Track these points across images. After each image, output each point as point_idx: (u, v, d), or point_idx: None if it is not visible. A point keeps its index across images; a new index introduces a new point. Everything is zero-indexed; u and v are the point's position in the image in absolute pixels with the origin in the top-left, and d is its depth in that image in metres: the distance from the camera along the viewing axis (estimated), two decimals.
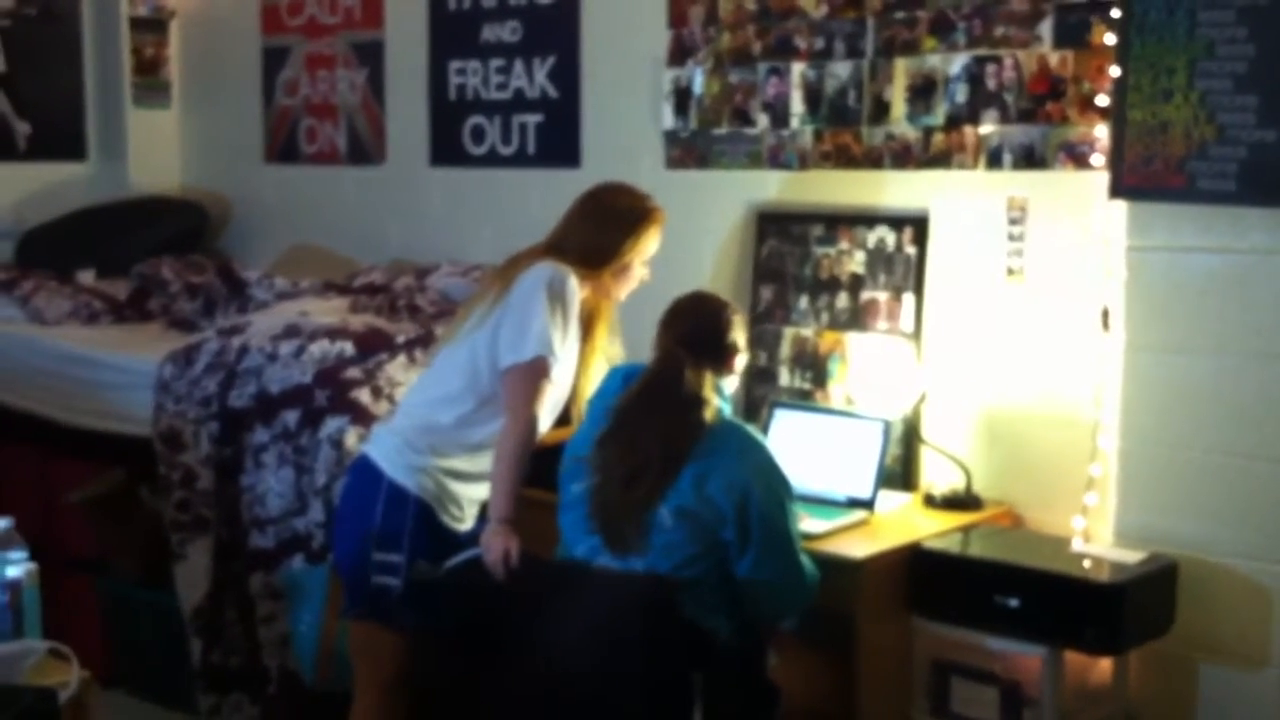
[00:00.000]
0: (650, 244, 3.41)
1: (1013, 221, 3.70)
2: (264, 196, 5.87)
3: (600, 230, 3.36)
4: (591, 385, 3.42)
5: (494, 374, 3.27)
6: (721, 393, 3.13)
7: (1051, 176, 3.63)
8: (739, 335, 3.20)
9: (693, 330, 3.15)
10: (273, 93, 5.78)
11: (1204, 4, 3.27)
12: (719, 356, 3.15)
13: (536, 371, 3.21)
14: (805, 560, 3.09)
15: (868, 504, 3.60)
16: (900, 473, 3.82)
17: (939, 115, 3.83)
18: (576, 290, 3.28)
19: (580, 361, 3.38)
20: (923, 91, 3.86)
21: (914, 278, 3.86)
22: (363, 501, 3.33)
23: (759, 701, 3.11)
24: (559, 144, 4.77)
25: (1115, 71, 3.43)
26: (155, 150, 6.09)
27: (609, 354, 3.46)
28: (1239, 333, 3.31)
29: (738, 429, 3.10)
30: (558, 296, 3.24)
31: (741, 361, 3.22)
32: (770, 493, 3.02)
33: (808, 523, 3.43)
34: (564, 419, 3.50)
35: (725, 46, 4.25)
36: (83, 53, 6.04)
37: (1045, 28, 3.63)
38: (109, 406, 4.63)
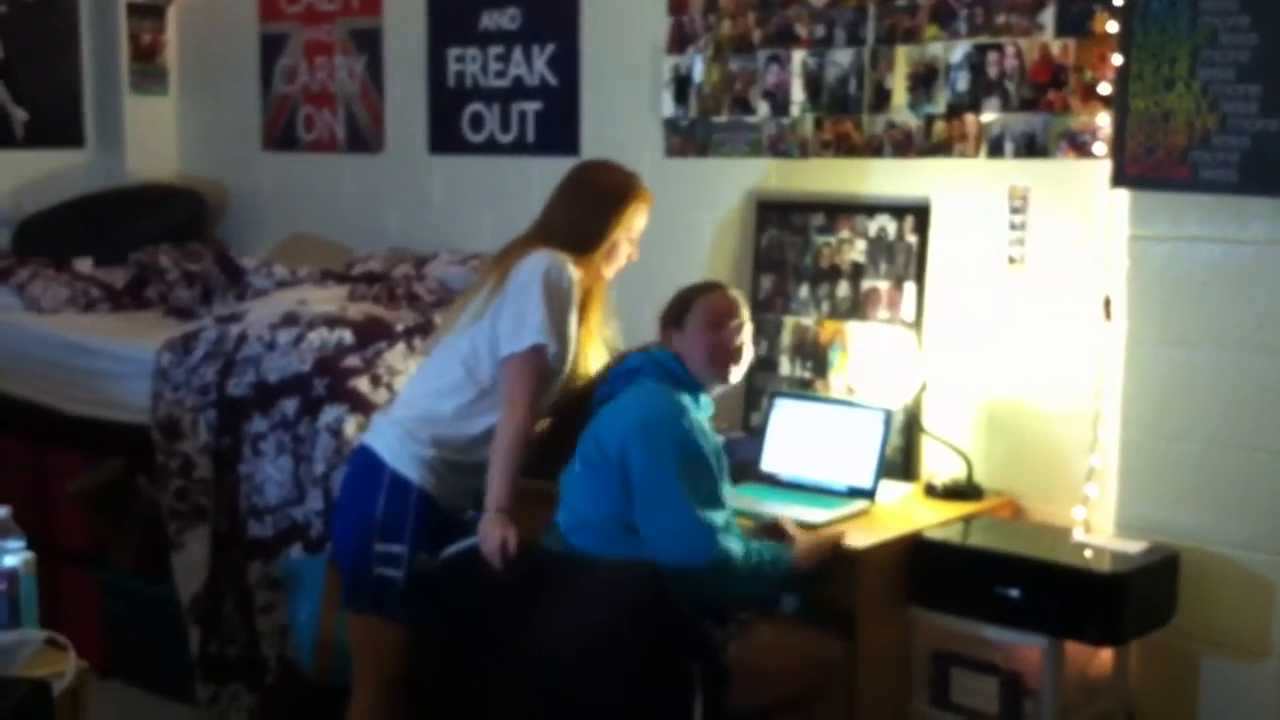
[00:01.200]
0: (637, 221, 3.39)
1: (1014, 210, 3.69)
2: (262, 184, 5.86)
3: (586, 210, 3.36)
4: (588, 369, 3.42)
5: (493, 364, 3.27)
6: (660, 360, 3.22)
7: (1053, 165, 3.62)
8: (688, 307, 3.27)
9: None
10: (271, 80, 5.76)
11: None
12: (665, 325, 3.30)
13: (534, 361, 3.21)
14: (736, 546, 3.05)
15: (868, 494, 3.59)
16: (901, 462, 3.81)
17: (940, 104, 3.82)
18: (574, 278, 3.27)
19: (578, 346, 3.36)
20: (924, 80, 3.84)
21: (915, 267, 3.85)
22: (364, 492, 3.31)
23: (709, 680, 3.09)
24: (558, 132, 4.75)
25: (1117, 60, 3.42)
26: (153, 138, 6.07)
27: (605, 335, 3.46)
28: (1240, 324, 3.30)
29: (643, 387, 3.19)
30: (555, 285, 3.23)
31: (693, 327, 3.25)
32: (654, 442, 3.07)
33: (809, 513, 3.43)
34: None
35: (725, 34, 4.23)
36: (80, 39, 6.02)
37: (1047, 16, 3.61)
38: (106, 395, 4.62)
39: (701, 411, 3.22)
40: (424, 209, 5.22)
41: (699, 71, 4.30)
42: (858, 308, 3.96)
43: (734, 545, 3.04)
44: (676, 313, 3.30)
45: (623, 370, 3.28)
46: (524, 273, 3.25)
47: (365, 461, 3.35)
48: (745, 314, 3.32)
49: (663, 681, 2.96)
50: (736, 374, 3.29)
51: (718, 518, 3.06)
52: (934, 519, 3.52)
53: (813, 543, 3.23)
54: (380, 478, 3.29)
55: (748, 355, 3.32)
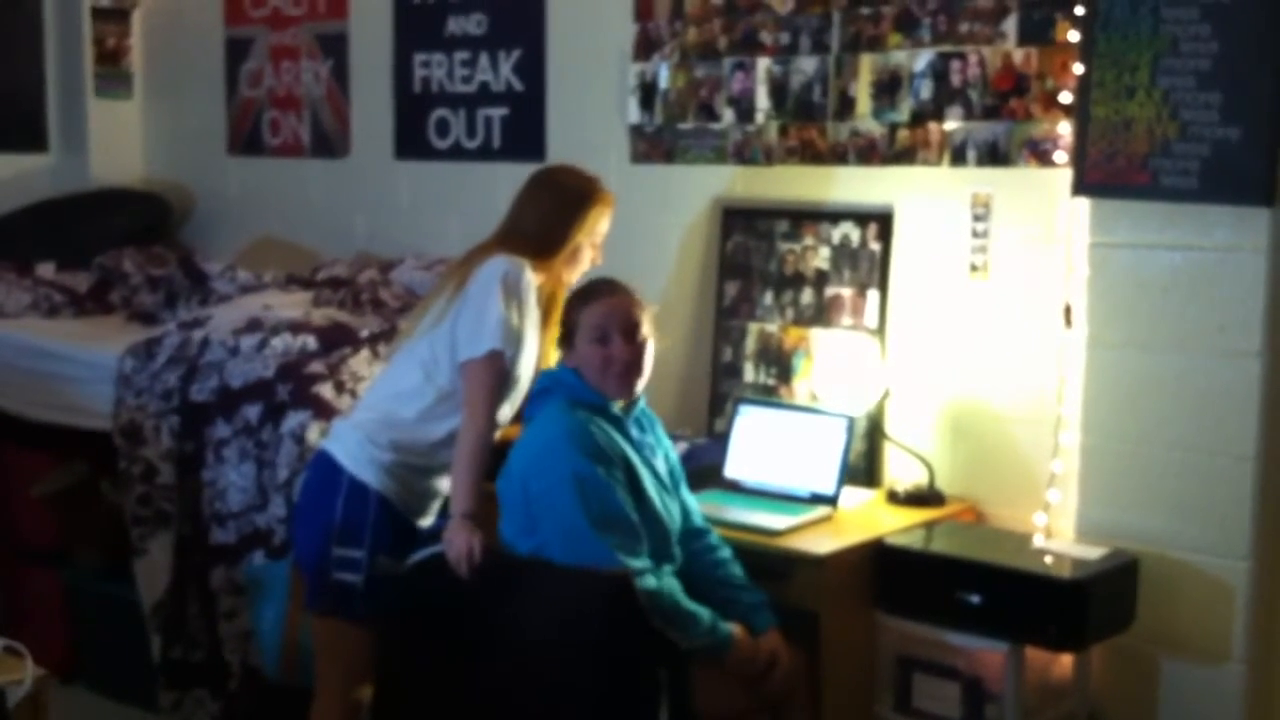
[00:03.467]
0: (599, 225, 3.40)
1: (976, 218, 3.71)
2: (227, 188, 5.83)
3: (548, 214, 3.37)
4: None
5: (453, 369, 3.27)
6: (562, 380, 3.16)
7: (1015, 173, 3.64)
8: (574, 323, 3.19)
9: None
10: (236, 84, 5.74)
11: (1168, 1, 3.28)
12: (560, 344, 3.26)
13: (492, 366, 3.21)
14: (651, 580, 2.98)
15: (831, 500, 3.60)
16: (864, 469, 3.82)
17: (904, 111, 3.83)
18: (532, 282, 3.28)
19: (540, 351, 3.37)
20: (888, 87, 3.86)
21: (878, 274, 3.86)
22: (323, 497, 3.30)
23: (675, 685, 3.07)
24: (524, 138, 4.75)
25: (1079, 68, 3.44)
26: (117, 141, 6.03)
27: None
28: (1201, 329, 3.32)
29: (544, 414, 3.13)
30: (513, 290, 3.23)
31: (583, 344, 3.16)
32: (548, 474, 3.02)
33: (772, 519, 3.43)
34: None
35: (691, 41, 4.24)
36: (44, 43, 5.98)
37: (1010, 24, 3.63)
38: (69, 400, 4.59)
39: (617, 423, 3.14)
40: (390, 214, 5.21)
41: (665, 78, 4.31)
42: (822, 314, 3.97)
43: (649, 580, 2.98)
44: (566, 330, 3.20)
45: (536, 391, 3.23)
46: (482, 277, 3.25)
47: (324, 466, 3.34)
48: (638, 314, 3.16)
49: (629, 687, 2.96)
50: (637, 385, 3.17)
51: (625, 542, 2.99)
52: (896, 525, 3.53)
53: (757, 650, 3.12)
54: (338, 482, 3.29)
55: (648, 359, 3.17)
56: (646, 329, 3.18)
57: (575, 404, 3.12)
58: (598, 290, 3.20)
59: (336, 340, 4.15)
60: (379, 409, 3.36)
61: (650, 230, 4.29)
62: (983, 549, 3.41)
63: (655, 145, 4.35)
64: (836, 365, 3.90)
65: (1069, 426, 3.53)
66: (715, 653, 3.05)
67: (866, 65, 3.89)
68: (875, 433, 3.82)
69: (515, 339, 3.23)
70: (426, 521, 3.37)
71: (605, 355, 3.13)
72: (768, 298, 4.07)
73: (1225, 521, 3.32)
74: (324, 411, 3.87)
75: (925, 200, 3.80)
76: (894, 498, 3.72)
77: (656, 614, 2.96)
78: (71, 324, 5.05)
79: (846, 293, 3.92)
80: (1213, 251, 3.31)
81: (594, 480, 3.01)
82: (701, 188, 4.25)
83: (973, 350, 3.72)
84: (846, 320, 3.91)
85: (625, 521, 3.02)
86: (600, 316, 3.14)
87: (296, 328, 4.19)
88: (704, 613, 3.05)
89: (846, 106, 3.93)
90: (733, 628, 3.09)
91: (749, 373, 4.10)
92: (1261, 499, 3.29)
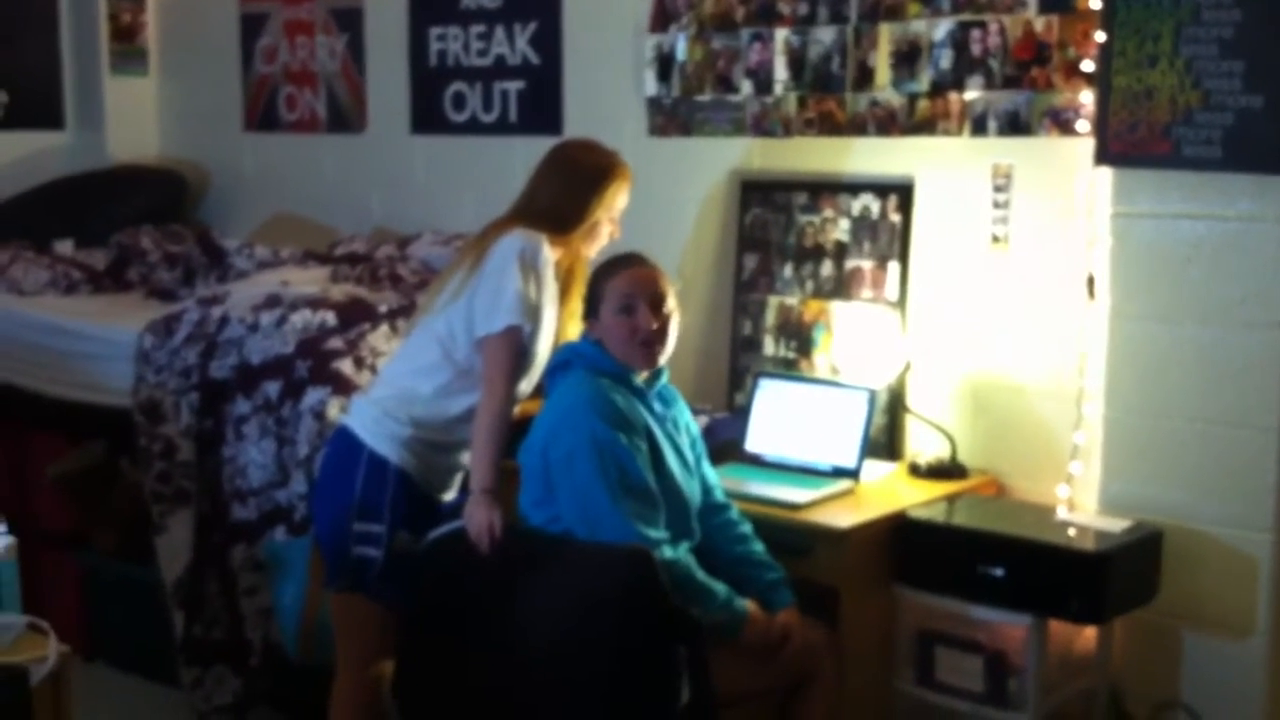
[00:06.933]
0: (618, 200, 3.39)
1: (997, 189, 3.68)
2: (243, 165, 5.83)
3: (567, 189, 3.35)
4: None
5: (470, 345, 3.26)
6: (581, 351, 3.17)
7: (1036, 143, 3.61)
8: (600, 294, 3.19)
9: None
10: (251, 60, 5.73)
11: None
12: (585, 315, 3.25)
13: (510, 341, 3.21)
14: (668, 550, 2.99)
15: (853, 473, 3.59)
16: (885, 442, 3.81)
17: (923, 82, 3.80)
18: (549, 258, 3.27)
19: (558, 326, 3.36)
20: (907, 57, 3.83)
21: (898, 246, 3.84)
22: (342, 472, 3.31)
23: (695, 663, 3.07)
24: (541, 111, 4.73)
25: (1101, 37, 3.41)
26: (133, 119, 6.03)
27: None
28: (1224, 300, 3.30)
29: (565, 382, 3.13)
30: (530, 265, 3.23)
31: (608, 314, 3.16)
32: (567, 439, 3.03)
33: (793, 493, 3.43)
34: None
35: (708, 12, 4.21)
36: (59, 20, 5.97)
37: None
38: (88, 378, 4.60)
39: (639, 395, 3.15)
40: (407, 189, 5.20)
41: (682, 50, 4.28)
42: (842, 287, 3.95)
43: (665, 550, 2.98)
44: (591, 301, 3.22)
45: (555, 364, 3.23)
46: (499, 253, 3.24)
47: (343, 442, 3.35)
48: (664, 286, 3.18)
49: (649, 663, 2.95)
50: (660, 356, 3.18)
51: (643, 511, 3.00)
52: (918, 498, 3.53)
53: (770, 625, 3.11)
54: (358, 457, 3.29)
55: (672, 332, 3.18)
56: (672, 303, 3.19)
57: (597, 373, 3.12)
58: (625, 261, 3.22)
59: (355, 316, 4.15)
60: (397, 385, 3.36)
61: (668, 204, 4.28)
62: (1005, 522, 3.40)
63: (672, 118, 4.32)
64: (857, 338, 3.88)
65: (1091, 398, 3.52)
66: (730, 628, 3.05)
67: (885, 35, 3.86)
68: (896, 405, 3.81)
69: (533, 314, 3.22)
70: (447, 497, 3.37)
71: (631, 325, 3.14)
72: (787, 271, 4.05)
73: (1248, 494, 3.30)
74: (343, 387, 3.86)
75: (946, 171, 3.78)
76: (915, 471, 3.71)
77: (673, 587, 2.96)
78: (90, 301, 5.06)
79: (866, 265, 3.90)
80: (1235, 221, 3.28)
81: (613, 446, 3.01)
82: (719, 160, 4.23)
83: (994, 322, 3.70)
84: (867, 293, 3.90)
85: (644, 490, 3.02)
86: (627, 286, 3.16)
87: (315, 304, 4.18)
88: (719, 588, 3.05)
89: (865, 77, 3.91)
90: (747, 604, 3.09)
91: (769, 346, 4.08)
92: None
